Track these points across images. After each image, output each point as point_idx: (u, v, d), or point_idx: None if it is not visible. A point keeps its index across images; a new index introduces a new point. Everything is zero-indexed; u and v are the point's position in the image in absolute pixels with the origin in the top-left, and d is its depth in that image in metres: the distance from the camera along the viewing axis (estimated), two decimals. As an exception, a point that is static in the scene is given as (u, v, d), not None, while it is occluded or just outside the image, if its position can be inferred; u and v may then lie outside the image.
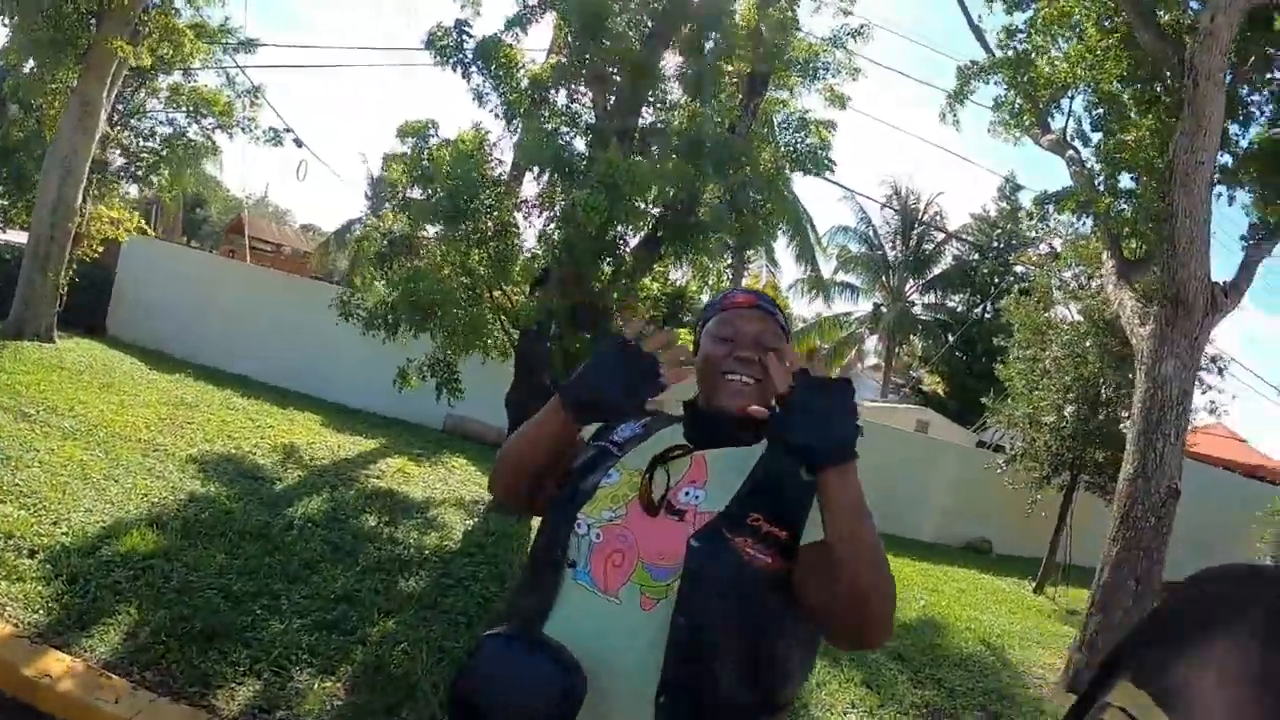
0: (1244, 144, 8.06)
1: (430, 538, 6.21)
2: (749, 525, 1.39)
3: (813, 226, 24.63)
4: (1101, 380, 10.30)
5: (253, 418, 8.72)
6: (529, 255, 6.60)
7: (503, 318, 6.58)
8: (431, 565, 5.58)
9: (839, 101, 7.52)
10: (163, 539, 4.83)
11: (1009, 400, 11.83)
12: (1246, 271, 7.34)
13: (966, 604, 8.87)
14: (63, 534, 4.61)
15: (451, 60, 6.65)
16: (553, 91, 6.99)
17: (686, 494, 1.47)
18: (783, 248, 23.33)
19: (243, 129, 13.21)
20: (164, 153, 13.25)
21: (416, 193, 6.39)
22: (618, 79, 6.57)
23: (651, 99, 6.95)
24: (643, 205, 5.85)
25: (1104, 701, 0.80)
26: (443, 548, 6.03)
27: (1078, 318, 10.91)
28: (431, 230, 6.62)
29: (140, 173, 13.34)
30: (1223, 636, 0.73)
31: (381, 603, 4.76)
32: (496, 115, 6.71)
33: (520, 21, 6.91)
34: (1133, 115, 8.18)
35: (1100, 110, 8.68)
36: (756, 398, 1.49)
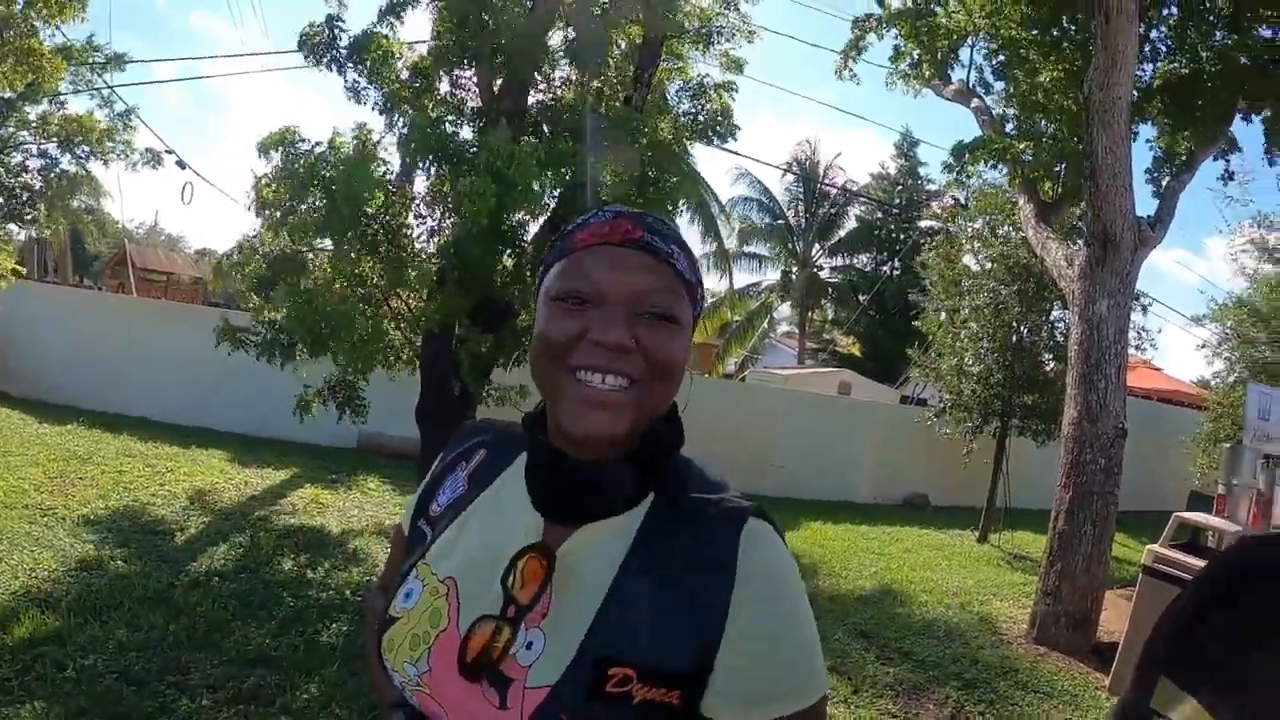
0: (1147, 80, 8.00)
1: (350, 574, 5.78)
2: (609, 694, 0.82)
3: (716, 199, 24.51)
4: (1023, 325, 10.35)
5: (151, 464, 8.04)
6: (424, 257, 6.15)
7: (403, 326, 6.11)
8: (354, 607, 5.14)
9: (735, 66, 7.28)
10: (54, 620, 4.30)
11: (931, 353, 11.85)
12: (1167, 203, 7.35)
13: (916, 564, 8.81)
14: (-61, 632, 4.05)
15: (324, 58, 6.22)
16: (435, 79, 6.54)
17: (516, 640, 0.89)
18: (686, 223, 23.11)
19: (117, 155, 12.25)
20: (38, 187, 12.35)
21: (297, 205, 5.85)
22: (501, 58, 6.13)
23: (539, 76, 6.56)
24: (537, 188, 5.40)
25: (1149, 709, 0.71)
26: (364, 584, 5.58)
27: (989, 265, 10.91)
28: (318, 244, 6.08)
29: (16, 211, 12.37)
30: (1263, 624, 0.65)
31: (302, 660, 4.32)
32: (377, 111, 6.29)
33: (394, 10, 6.48)
34: (1034, 60, 8.11)
35: (1001, 57, 8.61)
36: (630, 413, 0.89)
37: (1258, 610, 0.65)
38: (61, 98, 12.05)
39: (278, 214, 5.81)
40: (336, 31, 6.20)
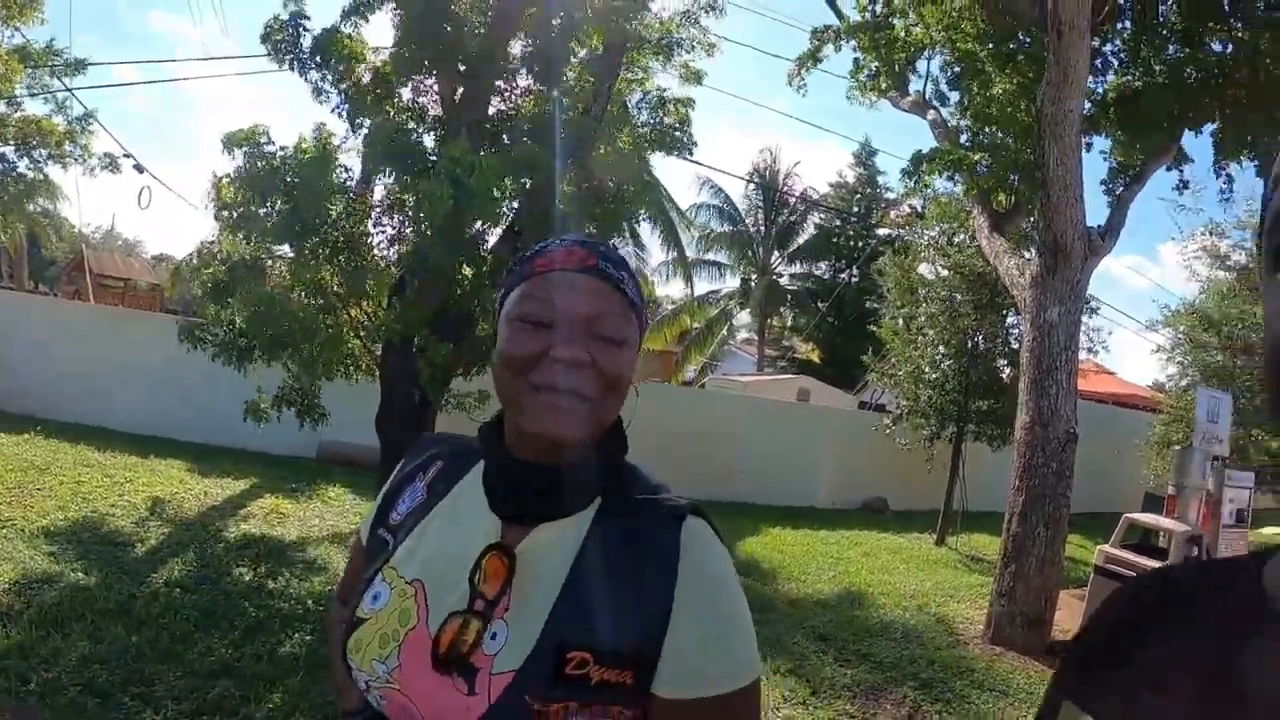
0: (1100, 92, 8.18)
1: (312, 583, 5.72)
2: (568, 677, 0.90)
3: (676, 208, 24.63)
4: (978, 332, 10.51)
5: (110, 474, 7.88)
6: (383, 265, 6.11)
7: (362, 335, 6.07)
8: (315, 617, 5.10)
9: (695, 78, 7.33)
10: (15, 633, 4.23)
11: (888, 360, 11.99)
12: (1119, 213, 7.53)
13: (875, 567, 8.92)
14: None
15: (287, 56, 6.17)
16: (396, 86, 6.52)
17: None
18: (647, 233, 23.25)
19: (75, 159, 12.03)
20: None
21: (256, 210, 5.77)
22: (463, 67, 6.13)
23: (500, 86, 6.56)
24: (497, 195, 5.43)
25: None
26: (325, 593, 5.53)
27: (945, 273, 11.07)
28: (277, 250, 6.02)
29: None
30: (1165, 646, 0.67)
31: (265, 670, 4.29)
32: (340, 115, 6.27)
33: (359, 10, 6.44)
34: (989, 73, 8.26)
35: (958, 69, 8.77)
36: (585, 420, 0.97)
37: (1154, 638, 0.69)
38: (19, 99, 11.82)
39: (235, 215, 5.72)
40: (300, 31, 6.17)
